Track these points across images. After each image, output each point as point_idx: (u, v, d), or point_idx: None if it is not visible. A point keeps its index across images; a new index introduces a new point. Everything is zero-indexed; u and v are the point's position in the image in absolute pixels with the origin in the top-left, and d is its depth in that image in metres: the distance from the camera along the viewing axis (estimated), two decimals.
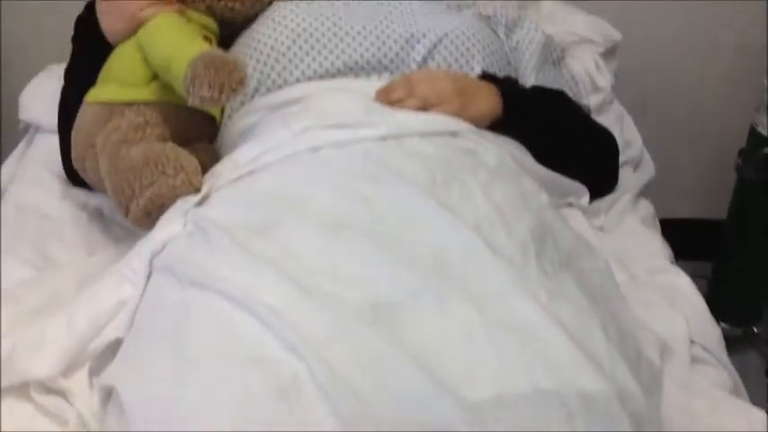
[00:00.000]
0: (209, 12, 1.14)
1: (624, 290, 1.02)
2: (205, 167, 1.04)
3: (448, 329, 0.77)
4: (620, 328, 0.89)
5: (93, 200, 1.20)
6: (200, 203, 0.96)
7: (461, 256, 0.84)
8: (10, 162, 1.39)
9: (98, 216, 1.20)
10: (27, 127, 1.47)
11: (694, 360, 0.99)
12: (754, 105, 1.70)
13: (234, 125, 1.13)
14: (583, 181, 1.20)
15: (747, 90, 1.78)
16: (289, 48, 1.15)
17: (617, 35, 1.58)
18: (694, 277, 1.95)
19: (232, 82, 0.94)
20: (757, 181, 1.69)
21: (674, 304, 1.06)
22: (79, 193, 1.22)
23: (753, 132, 1.69)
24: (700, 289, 1.92)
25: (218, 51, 0.97)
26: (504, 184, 0.98)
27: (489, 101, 1.13)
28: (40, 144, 1.38)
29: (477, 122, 1.10)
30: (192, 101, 0.94)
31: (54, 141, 1.22)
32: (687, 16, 1.88)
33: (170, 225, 0.94)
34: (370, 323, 0.77)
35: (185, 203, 0.96)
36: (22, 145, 1.43)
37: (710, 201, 2.06)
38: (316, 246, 0.85)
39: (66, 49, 1.24)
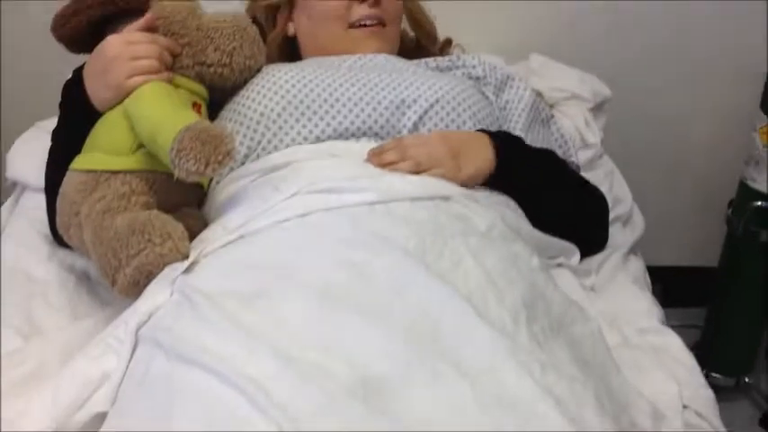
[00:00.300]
0: (199, 78, 1.14)
1: (616, 352, 1.01)
2: (193, 233, 1.03)
3: (440, 405, 0.76)
4: (613, 398, 0.89)
5: (80, 261, 1.19)
6: (188, 270, 0.95)
7: (453, 327, 0.84)
8: None
9: (84, 278, 1.18)
10: (14, 183, 1.45)
11: (687, 425, 0.98)
12: (743, 157, 1.70)
13: (223, 190, 1.12)
14: (573, 240, 1.20)
15: (736, 143, 1.79)
16: (279, 115, 1.15)
17: (606, 91, 1.58)
18: (686, 326, 1.98)
19: (218, 155, 0.93)
20: (747, 234, 1.69)
21: (667, 367, 1.06)
22: (66, 255, 1.20)
23: (742, 185, 1.69)
24: (691, 338, 1.96)
25: (205, 123, 0.97)
26: (496, 250, 0.98)
27: (483, 158, 1.13)
28: (27, 202, 1.36)
29: (473, 181, 1.10)
30: (178, 174, 0.94)
31: (41, 200, 1.21)
32: (677, 70, 1.89)
33: (157, 294, 0.93)
34: (360, 398, 0.76)
35: (173, 271, 0.95)
36: (9, 202, 1.42)
37: (701, 248, 2.07)
38: (304, 316, 0.84)
39: (54, 104, 1.23)
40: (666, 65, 1.89)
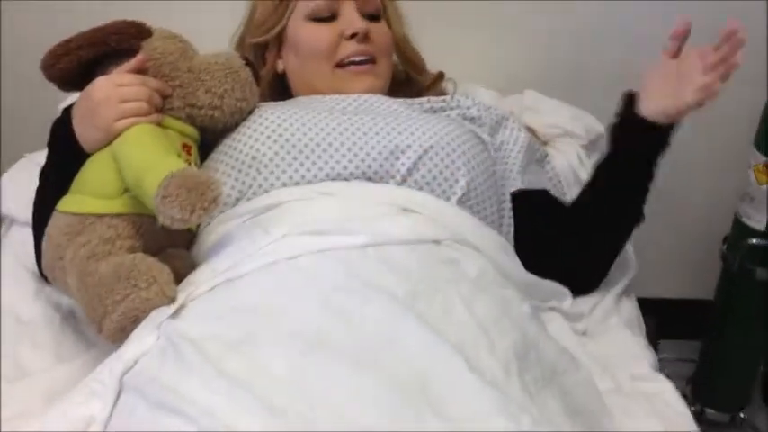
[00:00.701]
0: (189, 119, 1.13)
1: (608, 398, 1.01)
2: (180, 274, 1.03)
3: None
4: None
5: (67, 299, 1.17)
6: (175, 314, 0.94)
7: (442, 377, 0.83)
8: None
9: (71, 317, 1.17)
10: (2, 217, 1.44)
11: None
12: (738, 192, 1.70)
13: (212, 231, 1.11)
14: (570, 275, 1.20)
15: (731, 177, 1.78)
16: (271, 159, 1.14)
17: (600, 127, 1.58)
18: (681, 360, 1.97)
19: (204, 202, 0.92)
20: (743, 270, 1.68)
21: (659, 414, 1.05)
22: (52, 292, 1.19)
23: (737, 222, 1.68)
24: (686, 372, 1.94)
25: (192, 170, 0.96)
26: (487, 297, 0.98)
27: None
28: (14, 236, 1.36)
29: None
30: (163, 221, 0.93)
31: (29, 234, 1.19)
32: None
33: (143, 339, 0.92)
34: None
35: (160, 315, 0.94)
36: None
37: (696, 281, 2.06)
38: (290, 364, 0.83)
39: (43, 137, 1.23)
40: None
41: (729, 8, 1.80)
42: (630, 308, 1.29)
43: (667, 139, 1.22)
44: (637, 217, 1.27)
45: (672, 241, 2.04)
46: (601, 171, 1.27)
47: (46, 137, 1.20)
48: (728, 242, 1.73)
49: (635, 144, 1.22)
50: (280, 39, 1.36)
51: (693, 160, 1.92)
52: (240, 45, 1.42)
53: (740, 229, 1.67)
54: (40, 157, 1.24)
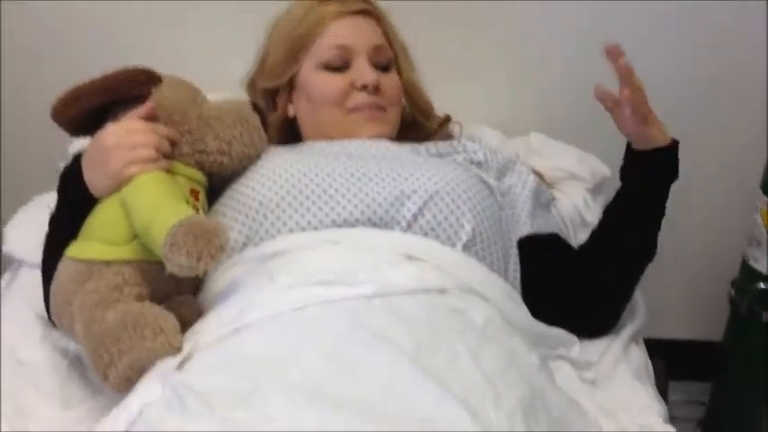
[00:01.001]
0: (198, 165, 1.14)
1: None
2: (186, 322, 1.03)
3: None
4: None
5: (73, 344, 1.17)
6: (181, 365, 0.94)
7: (447, 430, 0.82)
8: None
9: (77, 362, 1.17)
10: (11, 257, 1.45)
11: None
12: (745, 235, 1.70)
13: (219, 277, 1.11)
14: (582, 319, 1.21)
15: (739, 219, 1.78)
16: (278, 204, 1.14)
17: (605, 170, 1.58)
18: (691, 402, 1.96)
19: (211, 249, 0.92)
20: (751, 314, 1.67)
21: None
22: (59, 336, 1.19)
23: (745, 266, 1.68)
24: (697, 414, 1.93)
25: (199, 217, 0.96)
26: (494, 347, 0.97)
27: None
28: (23, 278, 1.36)
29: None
30: (170, 268, 0.93)
31: (38, 276, 1.19)
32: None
33: (148, 390, 0.91)
34: None
35: (165, 366, 0.94)
36: (6, 276, 1.41)
37: (705, 322, 2.05)
38: (296, 417, 0.83)
39: (52, 179, 1.23)
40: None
41: (729, 88, 1.83)
42: (639, 355, 1.28)
43: (667, 163, 1.25)
44: (650, 251, 1.28)
45: (681, 283, 2.04)
46: (611, 208, 1.29)
47: (55, 177, 1.22)
48: (736, 285, 1.72)
49: (638, 175, 1.26)
50: (291, 84, 1.38)
51: (701, 202, 1.92)
52: (251, 88, 1.44)
53: (748, 273, 1.67)
54: (50, 199, 1.24)
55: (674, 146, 1.25)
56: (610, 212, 1.30)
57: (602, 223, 1.30)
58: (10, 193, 1.57)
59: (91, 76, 1.11)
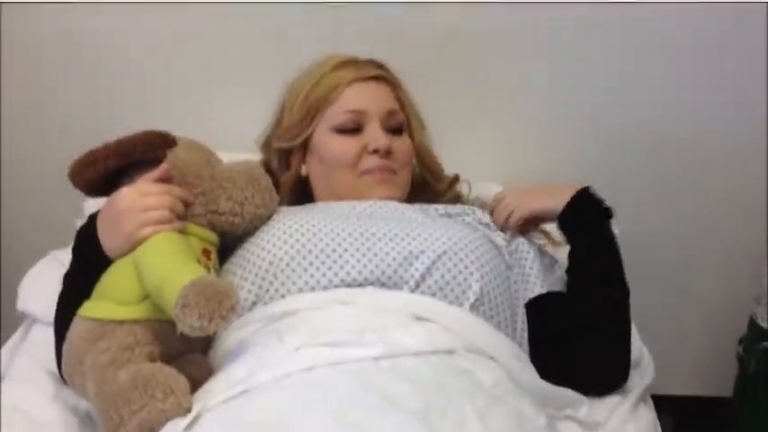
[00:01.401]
0: (210, 225, 1.16)
1: None
2: (196, 381, 1.03)
3: None
4: None
5: (85, 402, 1.17)
6: (190, 426, 0.95)
7: None
8: (5, 351, 1.37)
9: (88, 420, 1.17)
10: (24, 314, 1.46)
11: None
12: (754, 296, 1.70)
13: (228, 337, 1.12)
14: (589, 375, 1.21)
15: (747, 276, 1.79)
16: (287, 264, 1.16)
17: (615, 230, 1.59)
18: None
19: (222, 310, 0.94)
20: (759, 372, 1.67)
21: None
22: (71, 394, 1.19)
23: (752, 324, 1.69)
24: None
25: (210, 278, 0.98)
26: (501, 408, 0.97)
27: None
28: (36, 336, 1.37)
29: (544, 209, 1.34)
30: (182, 328, 0.94)
31: (50, 334, 1.21)
32: (683, 210, 1.92)
33: None
34: None
35: (175, 427, 0.95)
36: (18, 333, 1.42)
37: (713, 378, 2.04)
38: None
39: (68, 233, 1.25)
40: (675, 201, 1.91)
41: (727, 201, 1.86)
42: (648, 414, 1.27)
43: (583, 212, 1.30)
44: (619, 289, 1.28)
45: (690, 340, 2.04)
46: (569, 265, 1.32)
47: (71, 234, 1.24)
48: (744, 344, 1.73)
49: (571, 233, 1.32)
50: (305, 145, 1.41)
51: (711, 262, 1.93)
52: (266, 148, 1.47)
53: (756, 331, 1.67)
54: (65, 255, 1.26)
55: (578, 196, 1.29)
56: (569, 269, 1.32)
57: (568, 282, 1.31)
58: (27, 249, 1.59)
59: (108, 138, 1.14)
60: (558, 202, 1.30)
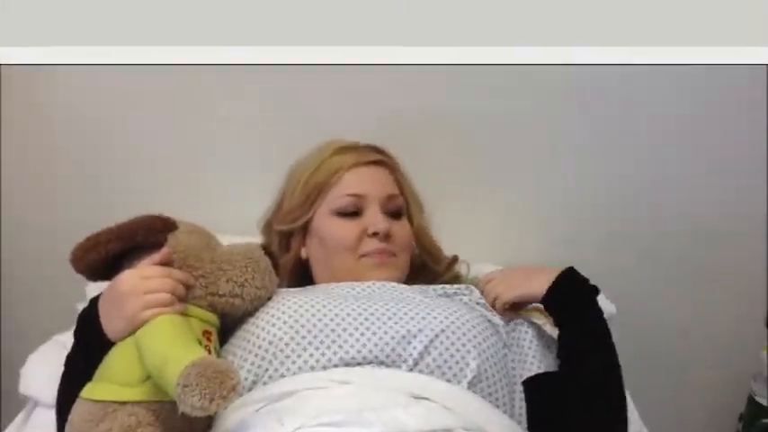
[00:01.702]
0: (211, 307, 1.18)
1: None
2: None
3: None
4: None
5: None
6: None
7: None
8: None
9: None
10: (26, 397, 1.47)
11: None
12: (752, 370, 1.71)
13: (228, 417, 1.12)
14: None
15: (746, 354, 1.79)
16: (287, 344, 1.17)
17: (611, 308, 1.60)
18: None
19: (223, 390, 0.95)
20: None
21: None
22: None
23: (751, 401, 1.68)
24: None
25: (211, 358, 0.99)
26: None
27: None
28: (38, 419, 1.38)
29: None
30: (183, 408, 0.95)
31: (52, 417, 1.21)
32: (682, 287, 1.94)
33: None
34: None
35: None
36: (21, 417, 1.43)
37: None
38: None
39: (71, 317, 1.27)
40: (675, 284, 1.93)
41: (728, 280, 1.88)
42: None
43: (568, 292, 1.30)
44: (609, 361, 1.27)
45: (690, 417, 2.02)
46: (559, 345, 1.31)
47: (73, 318, 1.25)
48: (744, 420, 1.72)
49: (557, 312, 1.31)
50: (305, 228, 1.44)
51: (709, 339, 1.93)
52: (267, 230, 1.51)
53: (755, 408, 1.67)
54: (67, 338, 1.27)
55: (560, 279, 1.30)
56: (559, 352, 1.30)
57: (559, 364, 1.30)
58: (29, 333, 1.60)
59: (109, 222, 1.17)
60: (542, 285, 1.30)
